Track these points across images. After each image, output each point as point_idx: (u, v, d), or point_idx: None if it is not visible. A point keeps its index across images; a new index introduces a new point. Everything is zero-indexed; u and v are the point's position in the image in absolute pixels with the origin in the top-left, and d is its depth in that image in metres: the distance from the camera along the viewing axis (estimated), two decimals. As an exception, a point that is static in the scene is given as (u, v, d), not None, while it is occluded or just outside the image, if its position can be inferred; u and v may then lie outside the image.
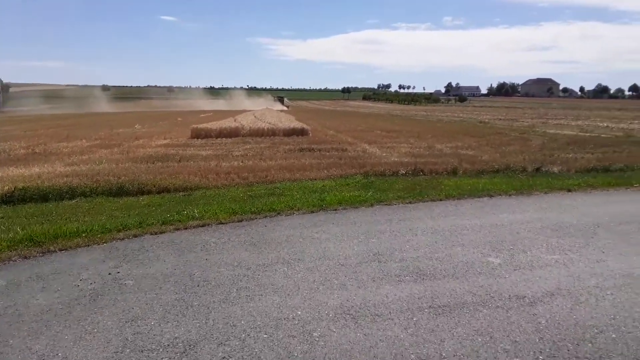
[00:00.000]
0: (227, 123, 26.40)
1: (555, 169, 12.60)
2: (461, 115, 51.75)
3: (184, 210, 7.77)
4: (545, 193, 9.57)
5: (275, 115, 38.92)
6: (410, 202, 8.56)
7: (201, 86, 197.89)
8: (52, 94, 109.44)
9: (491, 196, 9.23)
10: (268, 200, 8.69)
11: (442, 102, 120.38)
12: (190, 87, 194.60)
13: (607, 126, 31.33)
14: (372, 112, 63.18)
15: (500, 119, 41.49)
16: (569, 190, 9.78)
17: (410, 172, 11.89)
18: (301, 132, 22.98)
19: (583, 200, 9.01)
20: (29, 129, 28.25)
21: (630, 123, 34.76)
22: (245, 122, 27.54)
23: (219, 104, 77.63)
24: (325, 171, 11.94)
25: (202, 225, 7.01)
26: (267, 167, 12.62)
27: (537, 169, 12.59)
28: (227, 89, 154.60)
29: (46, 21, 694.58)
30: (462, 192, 9.45)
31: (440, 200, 8.81)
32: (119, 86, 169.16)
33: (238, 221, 7.25)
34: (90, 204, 8.97)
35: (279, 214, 7.68)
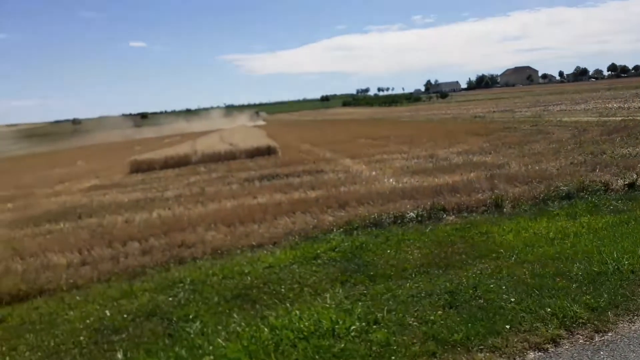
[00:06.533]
0: (178, 149, 21.82)
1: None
2: (449, 111, 47.74)
3: None
4: None
5: (244, 132, 34.47)
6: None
7: (177, 109, 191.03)
8: (26, 133, 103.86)
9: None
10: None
11: (424, 101, 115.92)
12: (165, 111, 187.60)
13: (621, 107, 27.40)
14: (353, 118, 58.82)
15: (495, 112, 37.49)
16: None
17: (423, 213, 7.21)
18: (268, 152, 18.59)
19: None
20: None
21: (641, 101, 30.92)
22: (203, 145, 23.05)
23: (193, 126, 72.49)
24: (283, 221, 7.48)
25: None
26: (199, 218, 8.18)
27: (630, 185, 7.77)
28: (205, 109, 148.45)
29: (17, 60, 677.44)
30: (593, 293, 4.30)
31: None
32: (90, 118, 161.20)
33: None
34: None
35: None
